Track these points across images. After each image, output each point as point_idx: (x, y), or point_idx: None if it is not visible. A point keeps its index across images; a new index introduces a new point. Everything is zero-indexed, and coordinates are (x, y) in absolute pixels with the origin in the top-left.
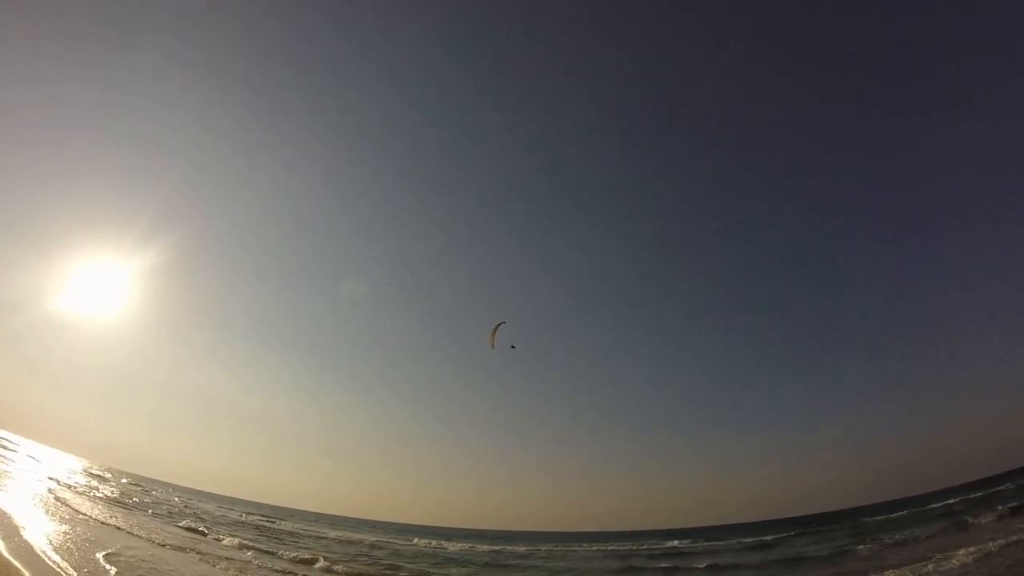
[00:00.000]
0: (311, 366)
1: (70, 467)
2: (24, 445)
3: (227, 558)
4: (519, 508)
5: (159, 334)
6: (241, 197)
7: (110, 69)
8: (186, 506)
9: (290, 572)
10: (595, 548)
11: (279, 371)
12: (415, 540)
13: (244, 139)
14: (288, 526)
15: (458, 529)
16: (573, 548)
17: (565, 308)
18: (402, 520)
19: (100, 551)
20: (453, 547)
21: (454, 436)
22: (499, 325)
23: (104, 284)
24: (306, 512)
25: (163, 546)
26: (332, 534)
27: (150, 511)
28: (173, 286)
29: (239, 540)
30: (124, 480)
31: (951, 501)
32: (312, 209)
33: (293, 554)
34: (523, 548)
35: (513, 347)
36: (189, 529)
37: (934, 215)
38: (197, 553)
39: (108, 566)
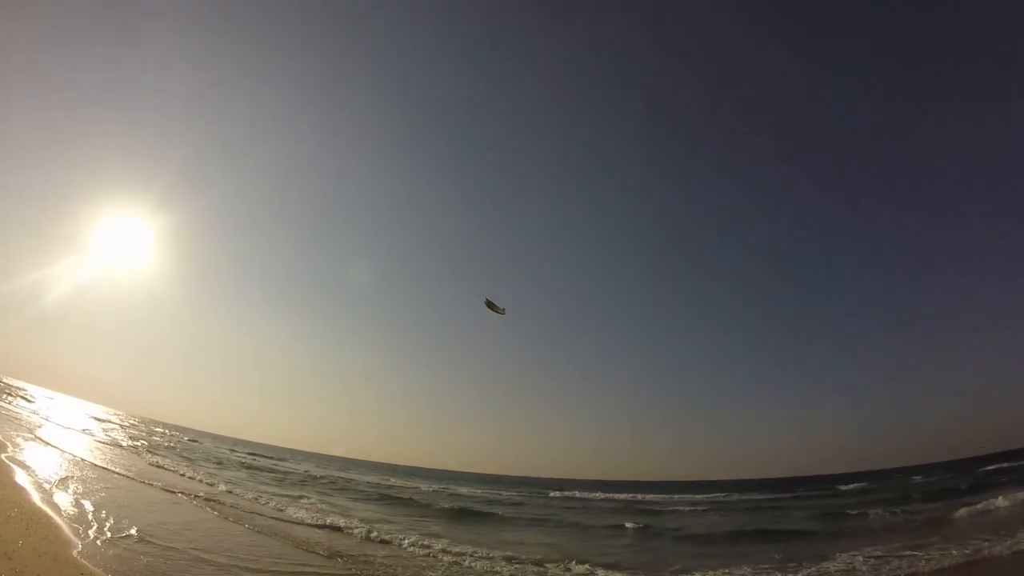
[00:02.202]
0: (337, 321)
1: (117, 423)
2: (62, 400)
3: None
4: (538, 456)
5: (184, 291)
6: (257, 158)
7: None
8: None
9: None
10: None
11: (306, 327)
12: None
13: (266, 102)
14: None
15: (471, 474)
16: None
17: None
18: (424, 465)
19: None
20: (464, 490)
21: (482, 398)
22: (491, 304)
23: (130, 243)
24: (322, 455)
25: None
26: (396, 481)
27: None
28: (197, 243)
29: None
30: (159, 429)
31: None
32: (323, 154)
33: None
34: (551, 493)
35: (502, 311)
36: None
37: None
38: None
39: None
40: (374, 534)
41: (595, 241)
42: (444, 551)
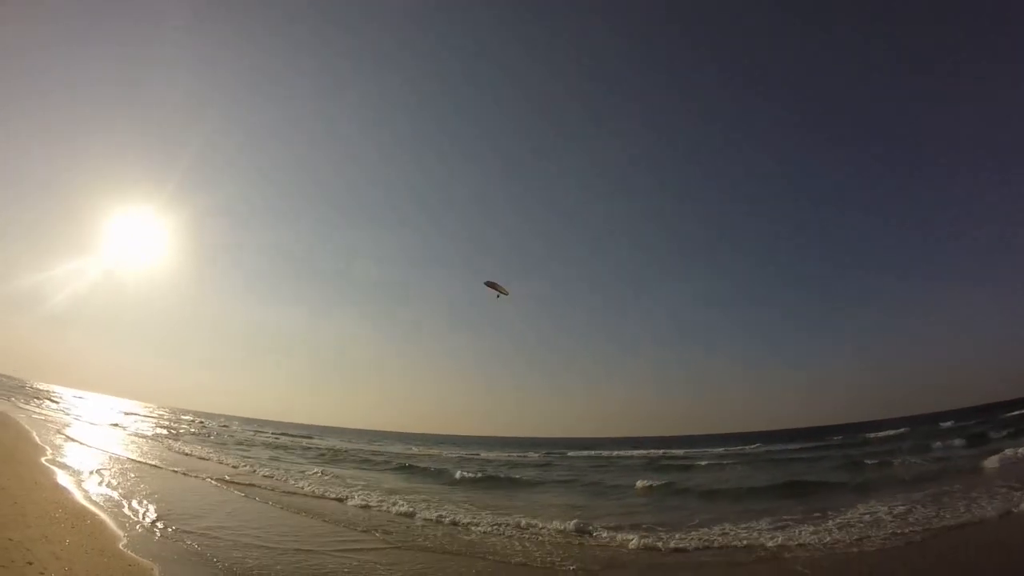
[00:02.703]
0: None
1: (154, 414)
2: (91, 398)
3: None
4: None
5: (199, 281)
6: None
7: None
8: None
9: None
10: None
11: (332, 308)
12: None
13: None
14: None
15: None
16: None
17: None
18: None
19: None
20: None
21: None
22: (492, 287)
23: (144, 237)
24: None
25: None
26: (419, 450)
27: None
28: (212, 232)
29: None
30: (187, 417)
31: None
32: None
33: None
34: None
35: (498, 295)
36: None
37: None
38: None
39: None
40: (400, 506)
41: (616, 210)
42: (471, 523)
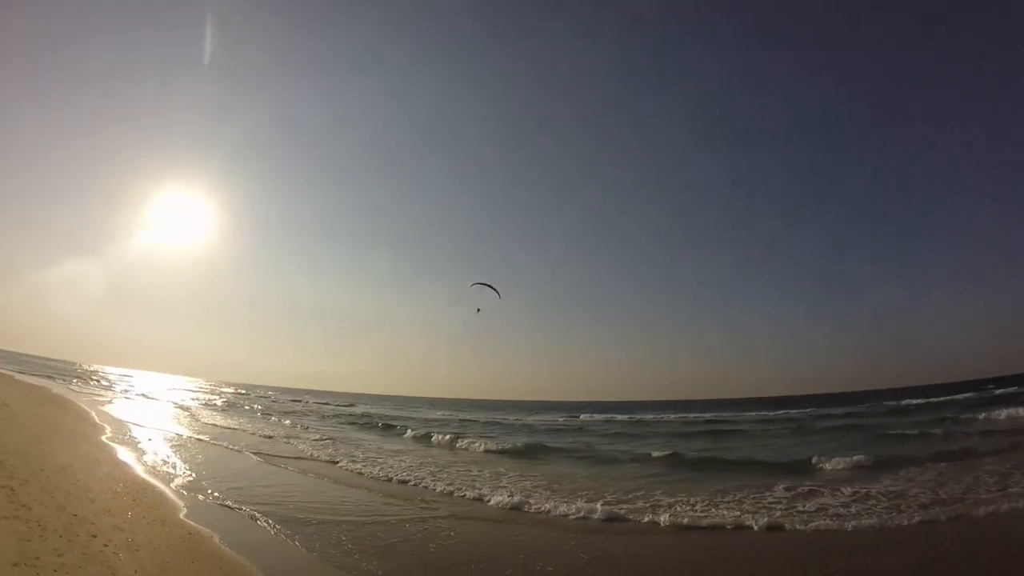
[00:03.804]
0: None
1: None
2: (144, 377)
3: None
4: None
5: (243, 256)
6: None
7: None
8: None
9: None
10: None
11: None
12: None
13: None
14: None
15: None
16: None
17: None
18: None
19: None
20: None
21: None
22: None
23: (187, 217)
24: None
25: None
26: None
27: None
28: (249, 210)
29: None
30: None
31: None
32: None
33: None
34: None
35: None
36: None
37: None
38: None
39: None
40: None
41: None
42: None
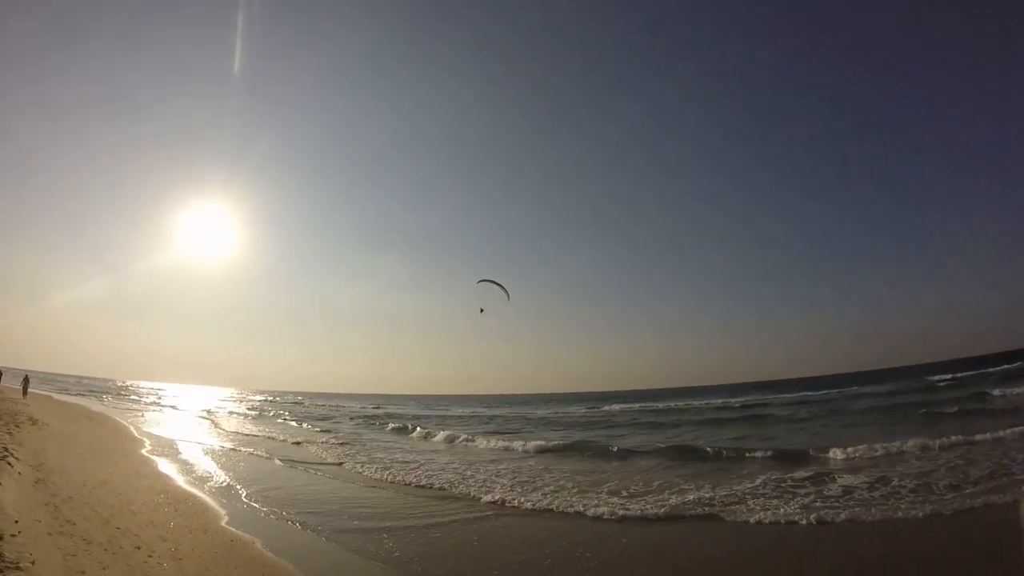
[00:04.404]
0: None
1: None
2: (181, 390)
3: None
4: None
5: (271, 266)
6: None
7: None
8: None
9: None
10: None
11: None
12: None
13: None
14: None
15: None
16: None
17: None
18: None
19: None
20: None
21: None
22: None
23: (215, 230)
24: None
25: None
26: (540, 413)
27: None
28: (281, 217)
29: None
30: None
31: None
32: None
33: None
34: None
35: (482, 310)
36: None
37: None
38: None
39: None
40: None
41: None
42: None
